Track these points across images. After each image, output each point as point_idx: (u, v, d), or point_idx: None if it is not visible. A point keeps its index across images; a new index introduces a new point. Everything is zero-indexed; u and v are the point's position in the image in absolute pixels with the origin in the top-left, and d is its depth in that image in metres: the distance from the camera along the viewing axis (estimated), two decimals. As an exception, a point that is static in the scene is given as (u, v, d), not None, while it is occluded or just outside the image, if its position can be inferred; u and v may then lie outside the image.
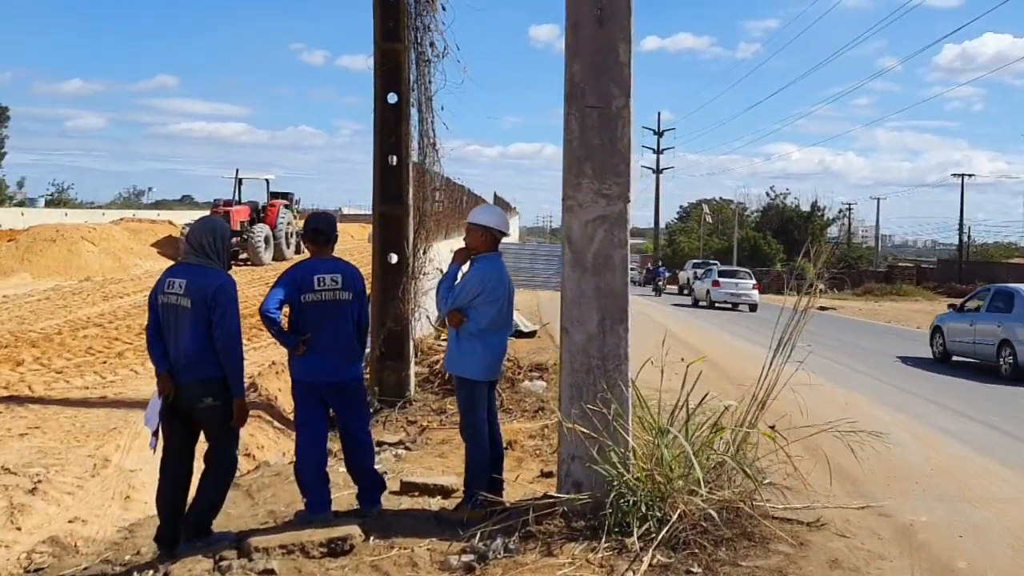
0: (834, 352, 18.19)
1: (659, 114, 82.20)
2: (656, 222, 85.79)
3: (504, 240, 6.57)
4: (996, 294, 18.21)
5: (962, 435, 10.13)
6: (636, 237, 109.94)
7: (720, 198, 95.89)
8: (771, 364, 6.15)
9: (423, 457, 8.03)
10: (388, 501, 6.27)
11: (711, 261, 52.86)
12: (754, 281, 39.07)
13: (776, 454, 5.99)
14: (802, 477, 5.97)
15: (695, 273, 47.46)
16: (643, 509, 5.19)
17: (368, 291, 6.38)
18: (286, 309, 5.86)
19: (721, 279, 38.90)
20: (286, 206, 34.56)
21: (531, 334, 15.35)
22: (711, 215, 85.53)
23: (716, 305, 37.67)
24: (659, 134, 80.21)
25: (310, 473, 5.86)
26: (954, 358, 18.76)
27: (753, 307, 36.97)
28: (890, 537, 5.92)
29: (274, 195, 35.75)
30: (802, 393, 6.50)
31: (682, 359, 6.24)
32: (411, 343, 10.65)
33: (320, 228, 6.03)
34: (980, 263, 63.50)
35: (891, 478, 7.58)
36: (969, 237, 69.49)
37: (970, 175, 67.75)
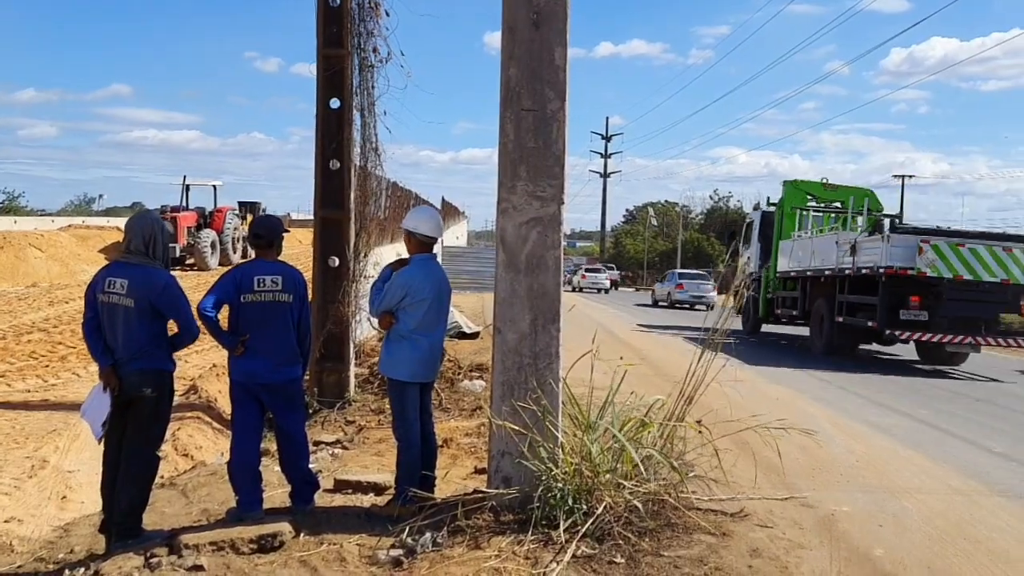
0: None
1: (607, 119, 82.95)
2: (603, 225, 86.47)
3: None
4: (667, 273, 44.06)
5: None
6: (583, 240, 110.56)
7: (666, 201, 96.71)
8: (699, 360, 6.30)
9: (359, 456, 8.07)
10: (321, 499, 6.32)
11: (609, 265, 68.00)
12: (607, 274, 57.79)
13: (704, 447, 6.07)
14: (722, 470, 6.02)
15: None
16: (570, 502, 5.25)
17: (310, 294, 6.43)
18: (226, 310, 5.90)
19: (587, 273, 56.33)
20: (236, 214, 34.84)
21: (474, 335, 15.36)
22: (656, 218, 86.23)
23: (584, 290, 52.89)
24: (607, 139, 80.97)
25: (243, 472, 5.90)
26: (659, 304, 41.08)
27: (606, 291, 55.05)
28: (811, 527, 6.04)
29: (242, 204, 36.80)
30: (732, 387, 6.64)
31: (620, 358, 6.35)
32: (351, 345, 10.70)
33: (259, 233, 6.12)
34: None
35: (816, 470, 7.77)
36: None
37: (911, 176, 71.64)
